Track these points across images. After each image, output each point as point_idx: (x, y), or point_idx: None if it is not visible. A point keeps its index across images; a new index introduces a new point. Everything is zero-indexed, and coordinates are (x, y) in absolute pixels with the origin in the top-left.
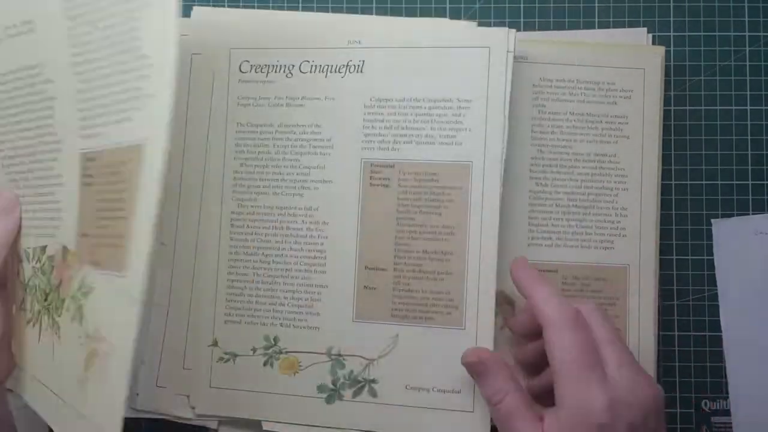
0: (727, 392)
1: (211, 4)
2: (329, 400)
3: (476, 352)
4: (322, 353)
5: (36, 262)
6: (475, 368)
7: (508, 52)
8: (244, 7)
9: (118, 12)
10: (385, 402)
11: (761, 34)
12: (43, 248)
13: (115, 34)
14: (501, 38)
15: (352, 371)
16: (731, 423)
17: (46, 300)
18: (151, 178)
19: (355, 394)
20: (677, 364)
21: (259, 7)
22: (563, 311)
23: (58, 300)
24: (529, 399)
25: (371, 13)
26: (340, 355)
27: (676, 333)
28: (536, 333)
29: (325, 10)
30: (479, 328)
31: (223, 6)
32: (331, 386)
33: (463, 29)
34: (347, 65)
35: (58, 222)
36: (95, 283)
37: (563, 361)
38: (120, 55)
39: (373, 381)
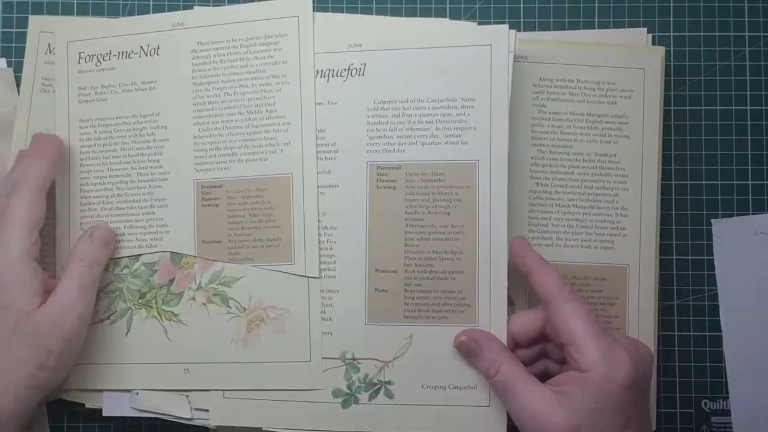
0: (727, 392)
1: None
2: (345, 405)
3: (465, 332)
4: (335, 358)
5: (123, 269)
6: (467, 346)
7: (508, 51)
8: None
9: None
10: (401, 403)
11: (761, 34)
12: (137, 257)
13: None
14: (502, 36)
15: (367, 374)
16: (731, 423)
17: (143, 297)
18: (301, 201)
19: (371, 396)
20: (677, 364)
21: None
22: (566, 285)
23: (169, 294)
24: (524, 367)
25: (371, 14)
26: (354, 358)
27: (676, 333)
28: (530, 334)
29: (325, 10)
30: (492, 324)
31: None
32: (346, 390)
33: (464, 28)
34: (349, 69)
35: (162, 235)
36: (243, 273)
37: (583, 326)
38: (251, 114)
39: (389, 382)
